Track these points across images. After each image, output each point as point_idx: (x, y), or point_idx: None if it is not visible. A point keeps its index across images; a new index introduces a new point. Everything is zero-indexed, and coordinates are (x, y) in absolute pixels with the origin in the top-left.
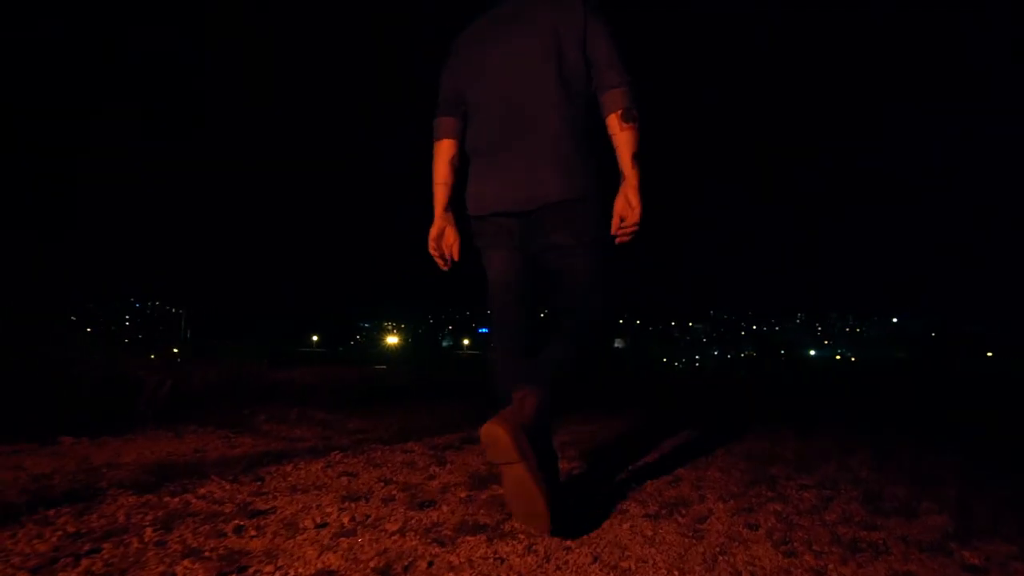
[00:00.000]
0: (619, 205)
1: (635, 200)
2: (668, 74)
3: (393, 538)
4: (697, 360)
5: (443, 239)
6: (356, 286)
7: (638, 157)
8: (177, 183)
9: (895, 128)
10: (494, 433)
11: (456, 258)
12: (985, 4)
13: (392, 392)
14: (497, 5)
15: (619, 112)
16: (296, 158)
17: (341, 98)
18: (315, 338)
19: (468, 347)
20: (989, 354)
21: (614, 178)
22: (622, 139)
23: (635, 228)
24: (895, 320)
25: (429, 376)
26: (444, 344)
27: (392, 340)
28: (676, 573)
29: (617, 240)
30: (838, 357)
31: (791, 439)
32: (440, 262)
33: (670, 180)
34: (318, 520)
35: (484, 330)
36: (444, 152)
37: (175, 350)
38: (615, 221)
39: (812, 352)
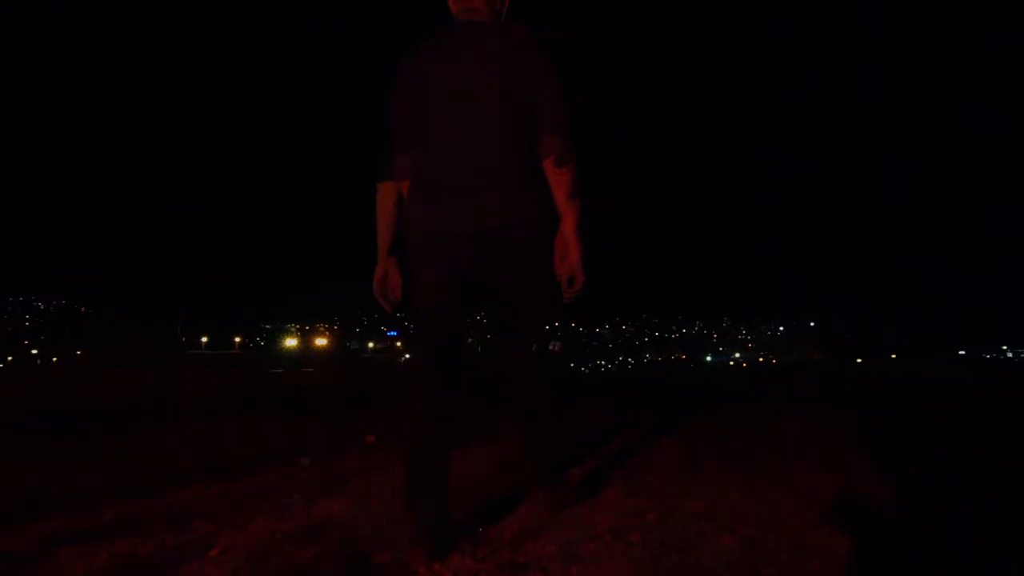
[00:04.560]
0: (558, 243)
1: (572, 238)
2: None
3: None
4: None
5: (387, 281)
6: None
7: (573, 197)
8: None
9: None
10: None
11: (399, 299)
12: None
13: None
14: (447, 34)
15: (552, 158)
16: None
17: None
18: (204, 339)
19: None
20: (859, 360)
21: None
22: (555, 182)
23: (577, 266)
24: (782, 328)
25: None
26: (350, 347)
27: (292, 343)
28: None
29: (558, 278)
30: (745, 364)
31: (726, 484)
32: (385, 305)
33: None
34: None
35: (393, 333)
36: (392, 193)
37: None
38: (556, 258)
39: (708, 358)
